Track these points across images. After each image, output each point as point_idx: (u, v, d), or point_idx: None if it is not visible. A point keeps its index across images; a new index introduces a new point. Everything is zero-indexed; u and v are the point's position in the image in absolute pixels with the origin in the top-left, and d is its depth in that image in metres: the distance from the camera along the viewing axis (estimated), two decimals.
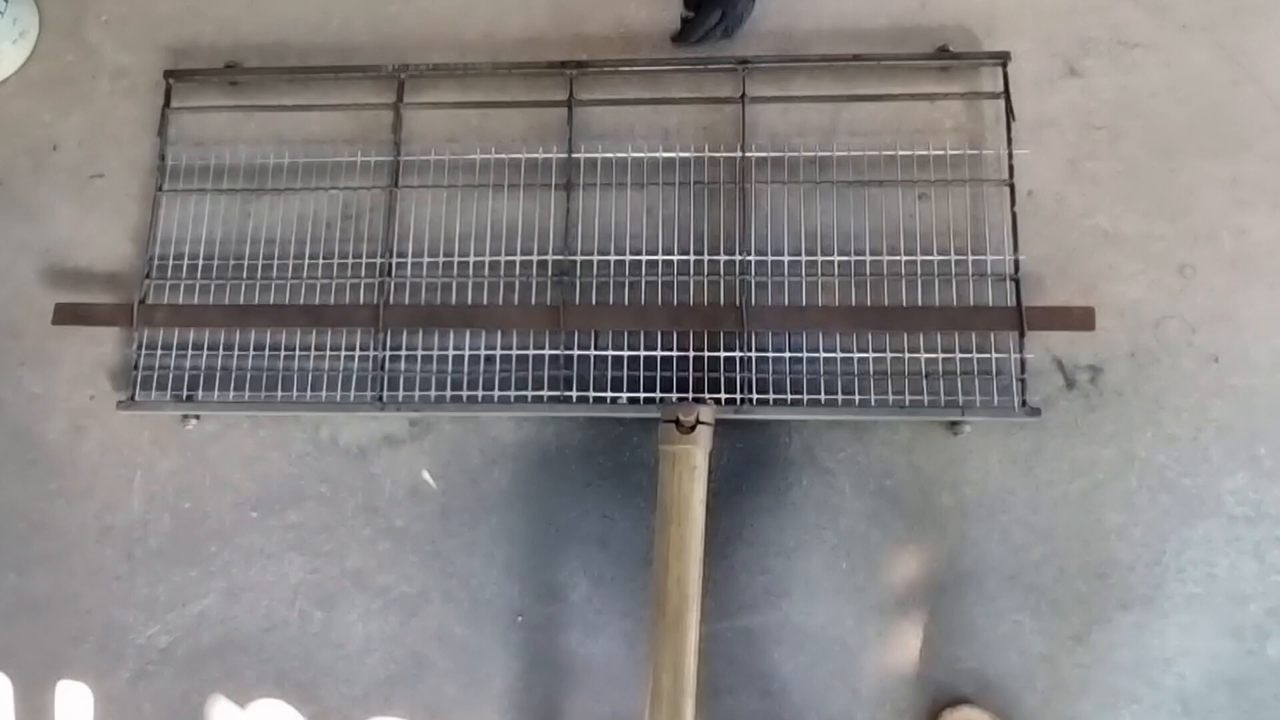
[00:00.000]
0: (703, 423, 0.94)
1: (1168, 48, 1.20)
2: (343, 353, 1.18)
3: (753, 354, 1.12)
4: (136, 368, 1.18)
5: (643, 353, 1.13)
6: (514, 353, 1.15)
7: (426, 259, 1.19)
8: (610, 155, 1.19)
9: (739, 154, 1.16)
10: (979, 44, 1.22)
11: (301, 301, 1.19)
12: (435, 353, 1.16)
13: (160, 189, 1.22)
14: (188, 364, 1.19)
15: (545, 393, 1.13)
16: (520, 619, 1.13)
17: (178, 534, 1.18)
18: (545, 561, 1.14)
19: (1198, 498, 1.09)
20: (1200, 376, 1.11)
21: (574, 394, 1.12)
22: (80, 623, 1.18)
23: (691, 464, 0.94)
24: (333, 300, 1.19)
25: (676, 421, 0.94)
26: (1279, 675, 1.05)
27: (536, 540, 1.15)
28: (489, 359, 1.15)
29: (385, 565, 1.16)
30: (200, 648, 1.16)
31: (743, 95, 1.17)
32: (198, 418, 1.19)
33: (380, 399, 1.14)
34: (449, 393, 1.14)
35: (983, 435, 1.12)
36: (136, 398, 1.17)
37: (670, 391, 1.12)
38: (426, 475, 1.17)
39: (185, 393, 1.18)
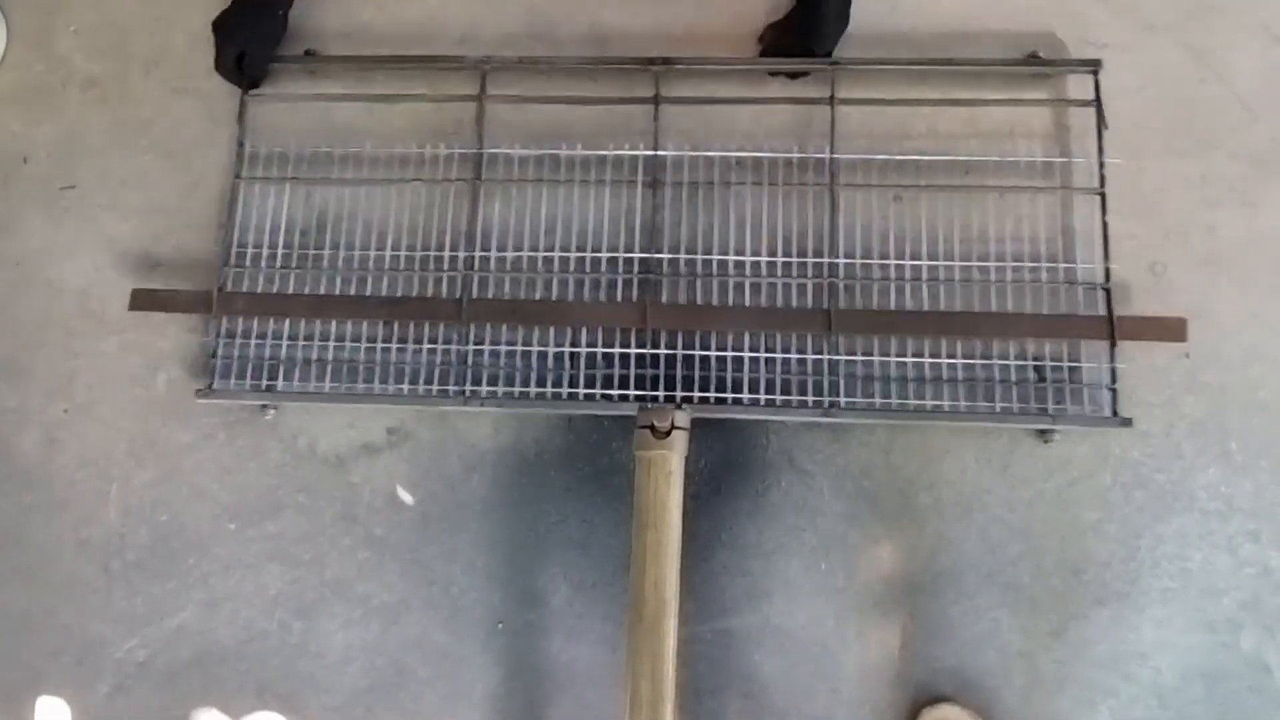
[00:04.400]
0: (678, 428, 0.94)
1: (1135, 48, 1.21)
2: (425, 346, 1.16)
3: (841, 357, 1.11)
4: (215, 356, 1.16)
5: (730, 353, 1.12)
6: (599, 350, 1.13)
7: (510, 253, 1.17)
8: (696, 153, 1.17)
9: (828, 155, 1.14)
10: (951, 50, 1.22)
11: (384, 293, 1.17)
12: (519, 348, 1.15)
13: (239, 176, 1.21)
14: (266, 354, 1.17)
15: (632, 392, 1.10)
16: (501, 626, 1.13)
17: (155, 546, 1.18)
18: (526, 567, 1.14)
19: (1171, 493, 1.10)
20: (1172, 373, 1.13)
21: (661, 393, 1.09)
22: (58, 637, 1.17)
23: (667, 469, 0.94)
24: (415, 293, 1.18)
25: (651, 427, 0.94)
26: (1253, 668, 1.06)
27: (517, 546, 1.15)
28: (572, 356, 1.14)
29: (365, 574, 1.15)
30: (179, 660, 1.15)
31: (831, 97, 1.16)
32: (275, 408, 1.18)
33: (464, 394, 1.12)
34: (533, 389, 1.13)
35: (956, 435, 1.13)
36: (215, 386, 1.16)
37: (757, 393, 1.11)
38: (401, 491, 1.16)
39: (265, 382, 1.16)
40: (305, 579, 1.16)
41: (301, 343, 1.17)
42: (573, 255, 1.17)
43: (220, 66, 1.24)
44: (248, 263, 1.19)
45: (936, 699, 1.07)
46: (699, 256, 1.16)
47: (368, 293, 1.18)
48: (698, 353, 1.12)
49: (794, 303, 1.15)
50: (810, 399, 1.10)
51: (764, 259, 1.16)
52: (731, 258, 1.15)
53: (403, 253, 1.19)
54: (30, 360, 1.23)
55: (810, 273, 1.14)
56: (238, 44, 1.21)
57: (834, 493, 1.13)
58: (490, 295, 1.17)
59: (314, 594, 1.16)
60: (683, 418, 0.96)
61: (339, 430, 1.19)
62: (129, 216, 1.26)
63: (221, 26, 1.24)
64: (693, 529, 1.05)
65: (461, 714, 1.12)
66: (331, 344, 1.17)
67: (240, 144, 1.22)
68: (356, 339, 1.17)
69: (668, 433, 0.94)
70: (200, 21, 1.28)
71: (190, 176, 1.26)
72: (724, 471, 1.13)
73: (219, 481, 1.19)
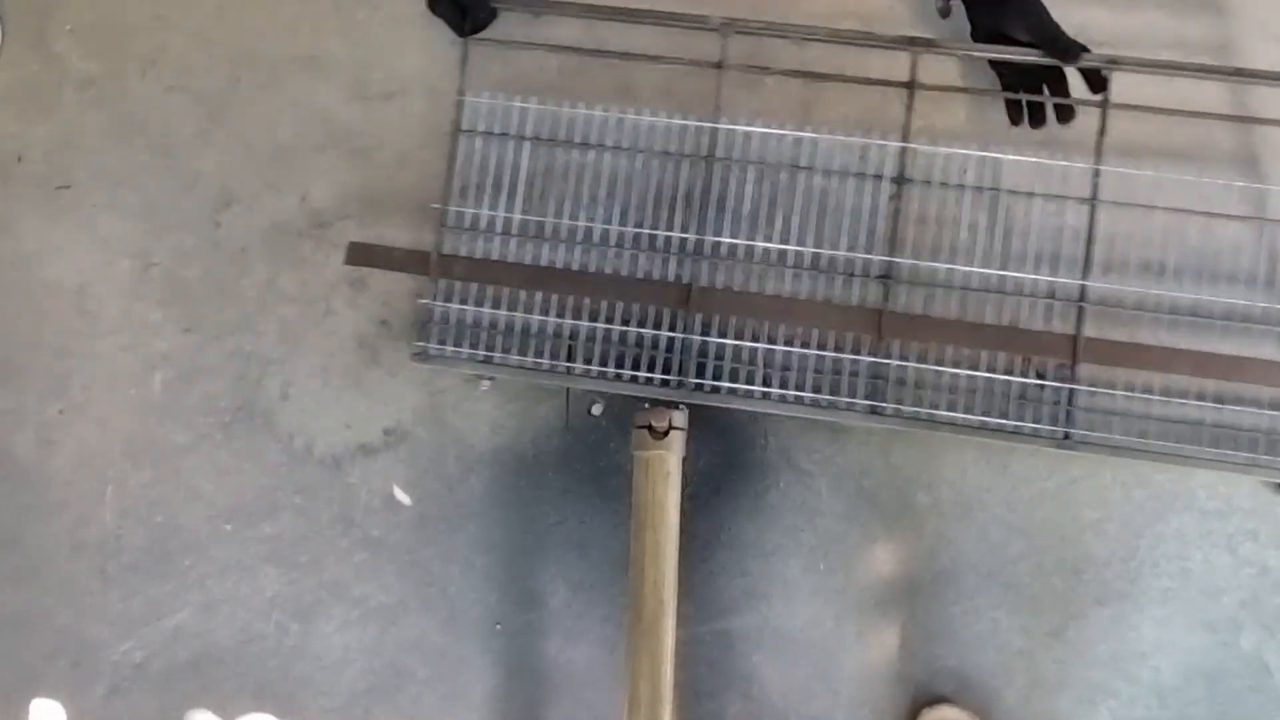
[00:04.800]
0: (675, 428, 0.94)
1: None
2: (649, 330, 1.08)
3: (1084, 388, 1.03)
4: (431, 320, 1.11)
5: (964, 371, 1.05)
6: (829, 354, 1.06)
7: (743, 241, 1.09)
8: (950, 150, 1.06)
9: (1094, 166, 1.03)
10: None
11: (607, 270, 1.11)
12: (746, 344, 1.07)
13: (458, 129, 1.13)
14: (485, 322, 1.11)
15: (860, 401, 1.05)
16: (499, 627, 1.13)
17: (151, 548, 1.17)
18: (524, 568, 1.14)
19: (1171, 492, 1.10)
20: None
21: (888, 405, 1.04)
22: (53, 640, 1.16)
23: (665, 469, 0.93)
24: (639, 273, 1.10)
25: (649, 427, 0.94)
26: (1253, 667, 1.06)
27: (514, 547, 1.14)
28: (803, 357, 1.07)
29: (362, 575, 1.15)
30: (176, 663, 1.15)
31: (1104, 100, 1.04)
32: (492, 379, 1.13)
33: (680, 383, 1.05)
34: (757, 388, 1.06)
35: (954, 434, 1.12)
36: (431, 352, 1.10)
37: (1005, 418, 1.04)
38: (398, 492, 1.16)
39: (483, 352, 1.10)
40: (302, 581, 1.15)
41: (520, 314, 1.10)
42: (808, 250, 1.07)
43: (437, 6, 1.17)
44: (466, 224, 1.12)
45: (936, 699, 1.06)
46: (941, 265, 1.06)
47: (590, 267, 1.10)
48: (931, 368, 1.04)
49: (1038, 325, 1.06)
50: (1044, 427, 1.03)
51: (1010, 274, 1.07)
52: (976, 270, 1.06)
53: (630, 229, 1.11)
54: (25, 361, 1.22)
55: (1057, 295, 1.06)
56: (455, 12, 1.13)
57: (833, 492, 1.12)
58: (719, 284, 1.09)
59: (311, 596, 1.15)
60: (680, 418, 0.96)
61: (336, 431, 1.18)
62: (125, 216, 1.25)
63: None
64: (690, 530, 1.04)
65: (460, 715, 1.11)
66: (551, 318, 1.10)
67: (460, 93, 1.12)
68: (563, 314, 1.10)
69: (666, 433, 0.94)
70: (199, 21, 1.28)
71: (186, 177, 1.25)
72: (723, 472, 1.12)
73: (215, 483, 1.18)
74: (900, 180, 1.06)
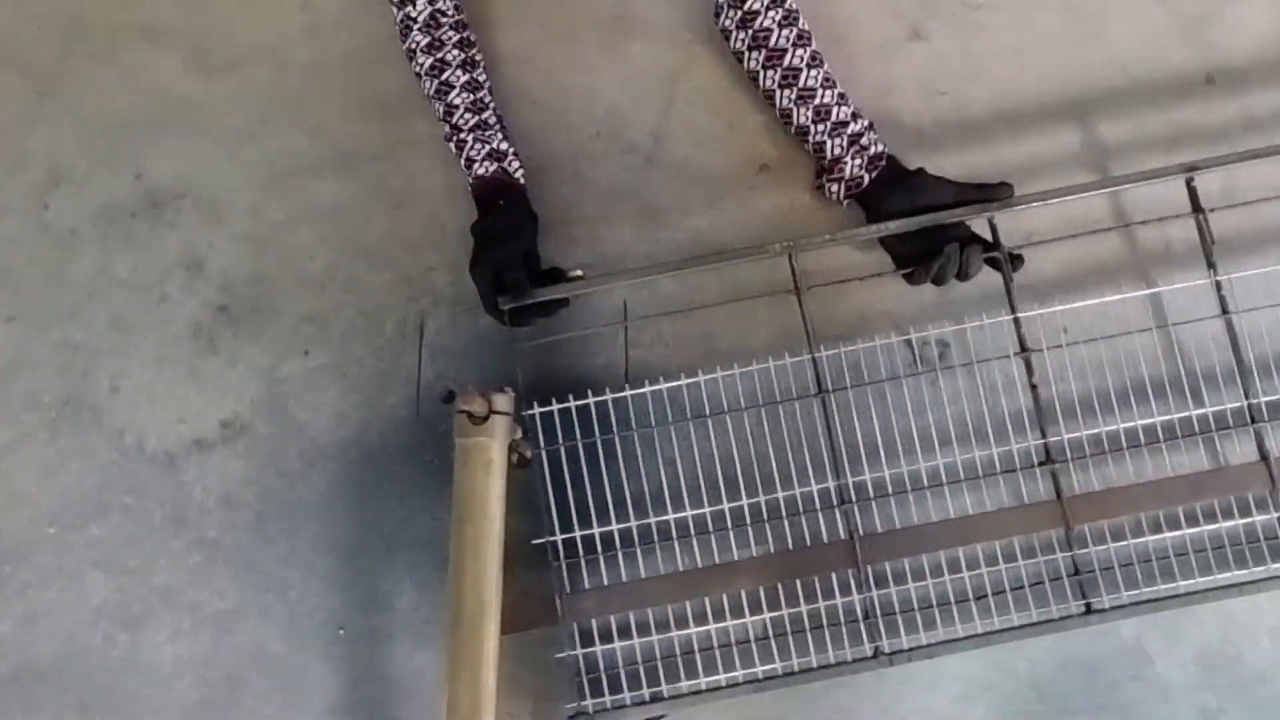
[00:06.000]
0: (497, 412, 0.87)
1: (1013, 9, 1.16)
2: (821, 604, 0.98)
3: None
4: (580, 673, 0.96)
5: (1149, 538, 0.98)
6: (1021, 564, 0.98)
7: (888, 471, 1.00)
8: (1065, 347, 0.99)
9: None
10: None
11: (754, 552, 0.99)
12: (928, 582, 0.98)
13: (537, 448, 0.97)
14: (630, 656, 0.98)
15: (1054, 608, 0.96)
16: (342, 632, 1.05)
17: None
18: (369, 569, 1.06)
19: None
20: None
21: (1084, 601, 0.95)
22: None
23: (486, 457, 0.86)
24: (789, 543, 1.00)
25: (468, 412, 0.87)
26: (1133, 655, 1.01)
27: (360, 547, 1.07)
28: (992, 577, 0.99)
29: (196, 580, 1.07)
30: None
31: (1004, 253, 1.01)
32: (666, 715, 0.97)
33: (877, 651, 0.95)
34: (959, 625, 0.97)
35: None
36: (593, 709, 0.95)
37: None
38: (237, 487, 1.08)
39: (647, 691, 0.96)
40: (131, 587, 1.07)
41: (675, 631, 0.98)
42: (958, 459, 0.98)
43: (489, 308, 1.01)
44: (580, 551, 0.97)
45: None
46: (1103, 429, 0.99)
47: (732, 554, 0.97)
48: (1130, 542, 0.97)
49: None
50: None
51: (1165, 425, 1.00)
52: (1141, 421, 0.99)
53: (761, 497, 0.98)
54: None
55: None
56: (490, 280, 0.99)
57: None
58: (879, 526, 0.98)
59: (141, 603, 1.07)
60: (503, 401, 0.88)
61: (169, 425, 1.10)
62: None
63: (475, 266, 1.02)
64: (520, 523, 0.97)
65: None
66: (712, 628, 0.97)
67: (517, 394, 0.95)
68: (719, 615, 0.98)
69: (486, 418, 0.86)
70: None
71: (11, 156, 1.16)
72: None
73: (38, 484, 1.09)
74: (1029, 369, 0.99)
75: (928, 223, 1.00)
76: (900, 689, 1.01)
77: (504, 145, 1.06)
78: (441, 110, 1.06)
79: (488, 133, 1.05)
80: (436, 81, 1.05)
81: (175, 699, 1.05)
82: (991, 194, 1.01)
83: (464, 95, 1.05)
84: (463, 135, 1.05)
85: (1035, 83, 1.14)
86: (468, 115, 1.05)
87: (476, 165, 1.04)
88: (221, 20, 1.19)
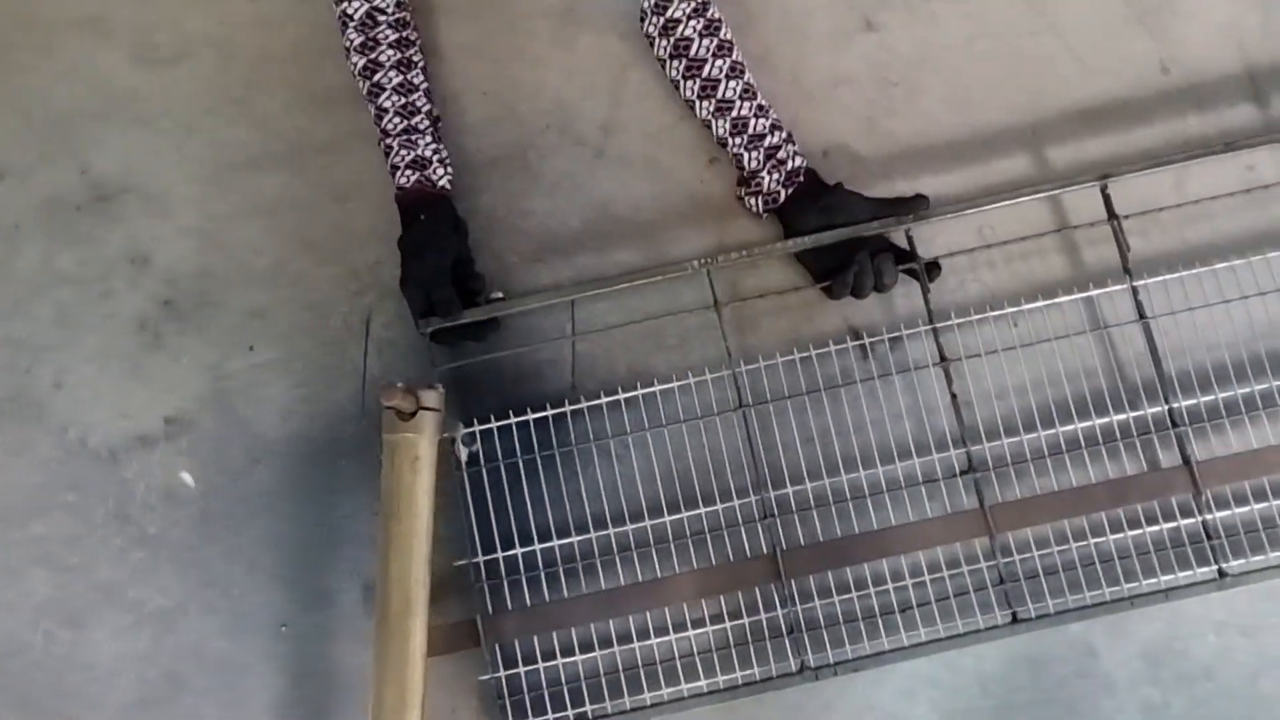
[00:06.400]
0: (426, 408, 0.86)
1: None
2: (745, 620, 0.98)
3: None
4: (502, 696, 0.95)
5: (1074, 545, 0.97)
6: (945, 574, 0.97)
7: (810, 484, 0.99)
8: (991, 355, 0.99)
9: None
10: None
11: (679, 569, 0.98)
12: (853, 595, 0.98)
13: (460, 467, 0.97)
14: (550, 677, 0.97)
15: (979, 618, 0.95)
16: (285, 629, 1.04)
17: None
18: (314, 565, 1.05)
19: None
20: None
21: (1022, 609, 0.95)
22: None
23: (414, 454, 0.85)
24: (713, 558, 0.98)
25: (394, 409, 0.86)
26: (1079, 651, 1.00)
27: (304, 543, 1.06)
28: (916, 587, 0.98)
29: (138, 577, 1.06)
30: None
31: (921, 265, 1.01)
32: None
33: (803, 666, 0.95)
34: (886, 640, 0.97)
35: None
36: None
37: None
38: (185, 475, 1.07)
39: (571, 712, 0.95)
40: (73, 584, 1.06)
41: (599, 650, 0.96)
42: (880, 472, 0.98)
43: (419, 328, 1.00)
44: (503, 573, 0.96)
45: None
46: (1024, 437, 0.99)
47: (658, 571, 0.97)
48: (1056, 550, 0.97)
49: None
50: None
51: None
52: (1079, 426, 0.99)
53: (685, 513, 0.98)
54: None
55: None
56: (422, 300, 0.98)
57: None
58: (801, 540, 0.98)
59: (82, 600, 1.06)
60: (432, 397, 0.87)
61: (113, 421, 1.09)
62: None
63: (404, 283, 1.01)
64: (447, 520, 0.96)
65: None
66: (636, 646, 0.96)
67: (452, 439, 0.96)
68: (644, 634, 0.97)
69: (413, 414, 0.85)
70: None
71: None
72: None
73: None
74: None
75: (840, 237, 1.00)
76: (845, 685, 1.00)
77: (428, 152, 1.03)
78: (373, 112, 1.05)
79: (414, 137, 1.03)
80: (368, 83, 1.04)
81: (116, 697, 1.04)
82: (907, 208, 1.01)
83: (394, 98, 1.04)
84: (389, 141, 1.03)
85: (988, 73, 1.13)
86: (396, 119, 1.03)
87: (399, 174, 1.02)
88: (168, 12, 1.18)
